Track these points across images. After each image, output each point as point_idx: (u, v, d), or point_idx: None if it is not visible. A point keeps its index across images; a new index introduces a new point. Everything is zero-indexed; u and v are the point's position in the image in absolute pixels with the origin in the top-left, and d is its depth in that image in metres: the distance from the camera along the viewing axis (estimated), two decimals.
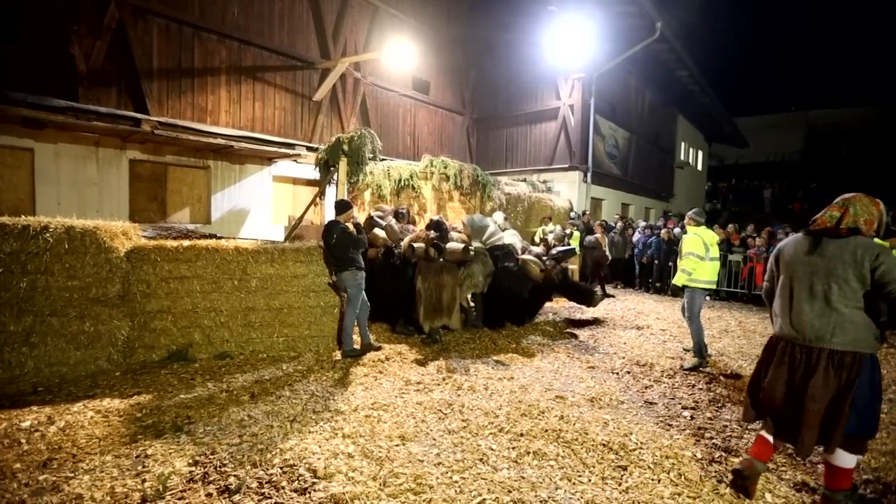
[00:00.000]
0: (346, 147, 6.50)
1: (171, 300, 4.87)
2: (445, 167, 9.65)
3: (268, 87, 9.42)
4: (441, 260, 5.78)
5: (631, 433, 3.34)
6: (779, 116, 30.16)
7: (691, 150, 21.25)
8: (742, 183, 24.85)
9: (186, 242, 4.97)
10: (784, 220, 16.00)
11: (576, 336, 6.18)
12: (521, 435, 3.30)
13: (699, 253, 5.04)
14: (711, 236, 5.21)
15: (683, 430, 3.45)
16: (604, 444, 3.14)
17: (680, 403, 3.96)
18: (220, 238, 5.70)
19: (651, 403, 3.96)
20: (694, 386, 4.37)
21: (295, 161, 9.37)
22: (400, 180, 9.21)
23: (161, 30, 7.89)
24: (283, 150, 8.43)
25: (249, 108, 9.15)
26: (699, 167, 22.82)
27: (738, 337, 6.41)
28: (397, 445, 3.15)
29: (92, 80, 7.15)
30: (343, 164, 6.55)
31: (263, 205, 9.35)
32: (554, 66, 12.13)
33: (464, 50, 13.82)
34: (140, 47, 7.60)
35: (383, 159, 10.41)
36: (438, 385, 4.32)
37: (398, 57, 9.82)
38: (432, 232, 6.06)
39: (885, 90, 29.43)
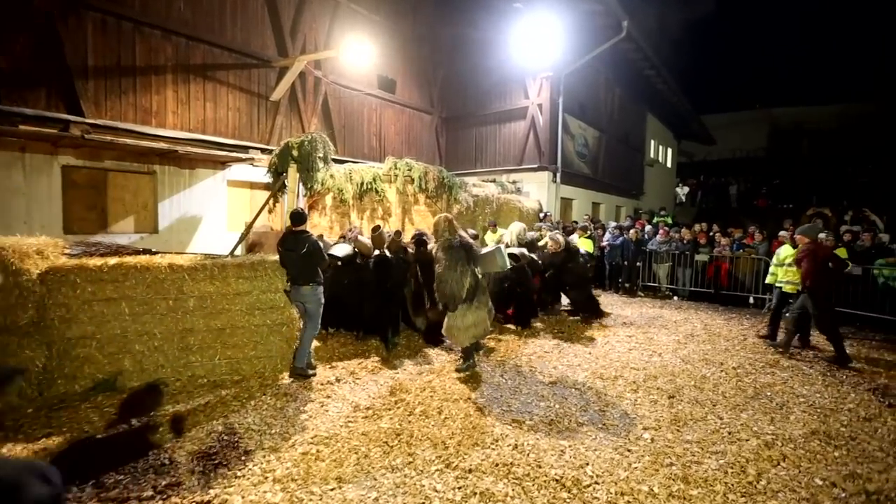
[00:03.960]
0: (295, 152, 6.11)
1: (95, 325, 4.43)
2: (410, 169, 9.34)
3: (220, 86, 8.89)
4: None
5: (587, 463, 3.13)
6: (744, 114, 30.86)
7: (661, 147, 21.50)
8: (710, 180, 25.32)
9: (113, 260, 4.52)
10: (749, 217, 16.32)
11: (540, 346, 5.98)
12: (470, 471, 3.04)
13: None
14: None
15: (642, 455, 3.26)
16: (557, 480, 2.91)
17: (641, 424, 3.78)
18: (157, 253, 5.26)
19: (612, 425, 3.77)
20: (656, 402, 4.21)
21: (251, 165, 8.89)
22: (362, 184, 8.88)
23: (96, 24, 7.30)
24: (235, 154, 7.95)
25: (200, 109, 8.61)
26: (668, 164, 23.13)
27: (703, 342, 6.33)
28: (332, 489, 2.85)
29: (16, 80, 6.53)
30: (292, 171, 6.15)
31: (217, 211, 8.84)
32: (522, 64, 11.93)
33: (431, 47, 13.48)
34: (72, 43, 7.01)
35: (356, 161, 10.02)
36: (389, 410, 4.04)
37: (360, 54, 9.44)
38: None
39: (845, 89, 30.49)
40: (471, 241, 4.91)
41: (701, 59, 31.26)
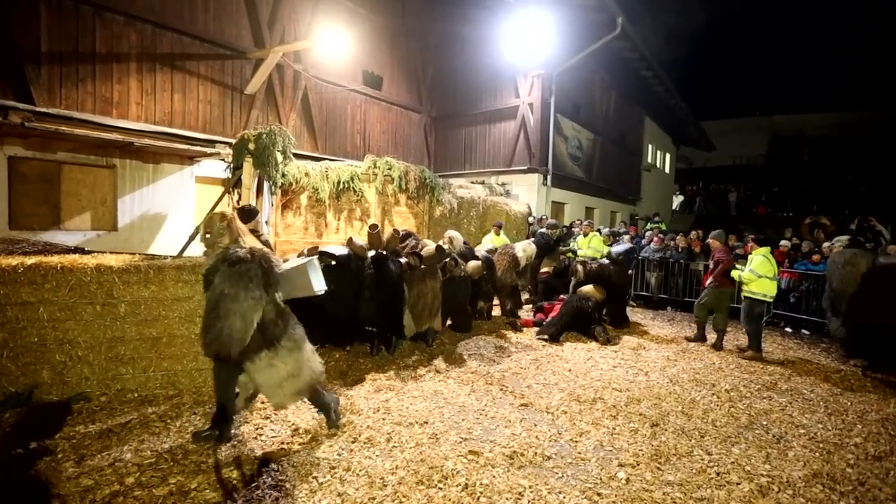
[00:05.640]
0: (251, 146, 5.62)
1: (7, 332, 3.93)
2: (390, 168, 8.87)
3: (190, 77, 8.42)
4: (422, 267, 5.74)
5: None
6: (744, 120, 30.47)
7: (659, 152, 21.05)
8: (709, 186, 24.92)
9: (30, 260, 4.03)
10: (748, 224, 15.87)
11: (517, 361, 5.48)
12: None
13: None
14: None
15: (614, 502, 2.76)
16: None
17: (617, 458, 3.28)
18: (90, 252, 4.76)
19: (583, 459, 3.27)
20: (637, 431, 3.71)
21: (221, 160, 8.40)
22: (339, 182, 8.40)
23: (52, 7, 6.83)
24: (199, 148, 7.46)
25: (167, 100, 8.14)
26: (667, 170, 22.68)
27: (695, 359, 5.84)
28: None
29: None
30: (248, 166, 5.67)
31: (184, 209, 8.34)
32: (513, 61, 11.48)
33: (420, 43, 13.03)
34: (23, 26, 6.55)
35: (333, 160, 9.55)
36: (332, 434, 3.54)
37: (337, 46, 8.99)
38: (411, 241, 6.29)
39: (845, 96, 30.10)
40: (268, 252, 3.28)
41: (700, 64, 30.94)
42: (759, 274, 5.99)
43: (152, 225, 7.98)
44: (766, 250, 6.18)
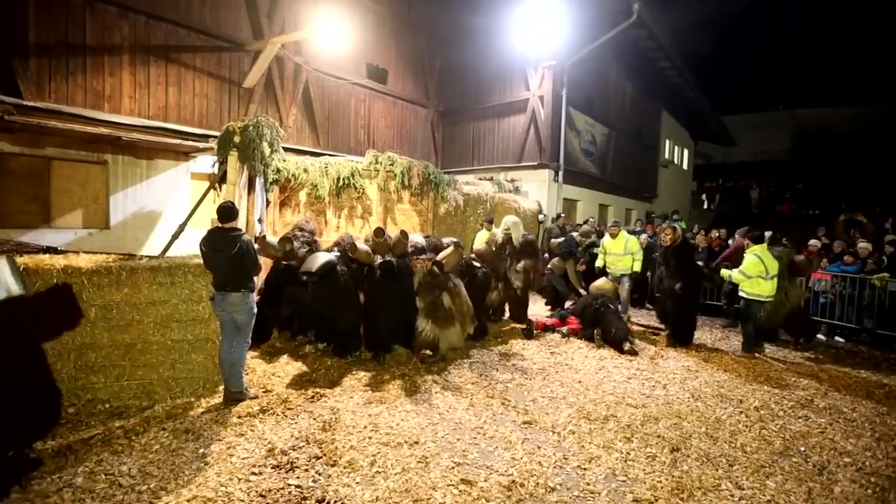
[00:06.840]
0: (236, 138, 5.28)
1: None
2: (392, 164, 8.48)
3: (185, 70, 8.15)
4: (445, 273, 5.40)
5: None
6: (766, 115, 29.37)
7: (676, 148, 20.29)
8: (729, 183, 24.02)
9: None
10: (771, 223, 15.11)
11: (522, 370, 5.05)
12: None
13: None
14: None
15: None
16: None
17: (631, 491, 2.84)
18: (62, 252, 4.47)
19: (592, 492, 2.84)
20: (655, 458, 3.25)
21: (215, 156, 8.12)
22: (339, 179, 8.05)
23: None
24: (190, 143, 7.17)
25: (161, 94, 7.88)
26: (685, 166, 21.89)
27: (718, 370, 5.33)
28: None
29: None
30: (233, 160, 5.33)
31: (179, 206, 8.06)
32: (523, 52, 11.00)
33: (427, 36, 12.61)
34: (10, 18, 6.32)
35: (336, 156, 9.22)
36: (311, 456, 3.17)
37: (342, 39, 8.66)
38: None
39: (873, 89, 28.82)
40: None
41: (720, 57, 29.92)
42: (748, 275, 5.76)
43: (146, 223, 7.73)
44: (760, 248, 5.91)
